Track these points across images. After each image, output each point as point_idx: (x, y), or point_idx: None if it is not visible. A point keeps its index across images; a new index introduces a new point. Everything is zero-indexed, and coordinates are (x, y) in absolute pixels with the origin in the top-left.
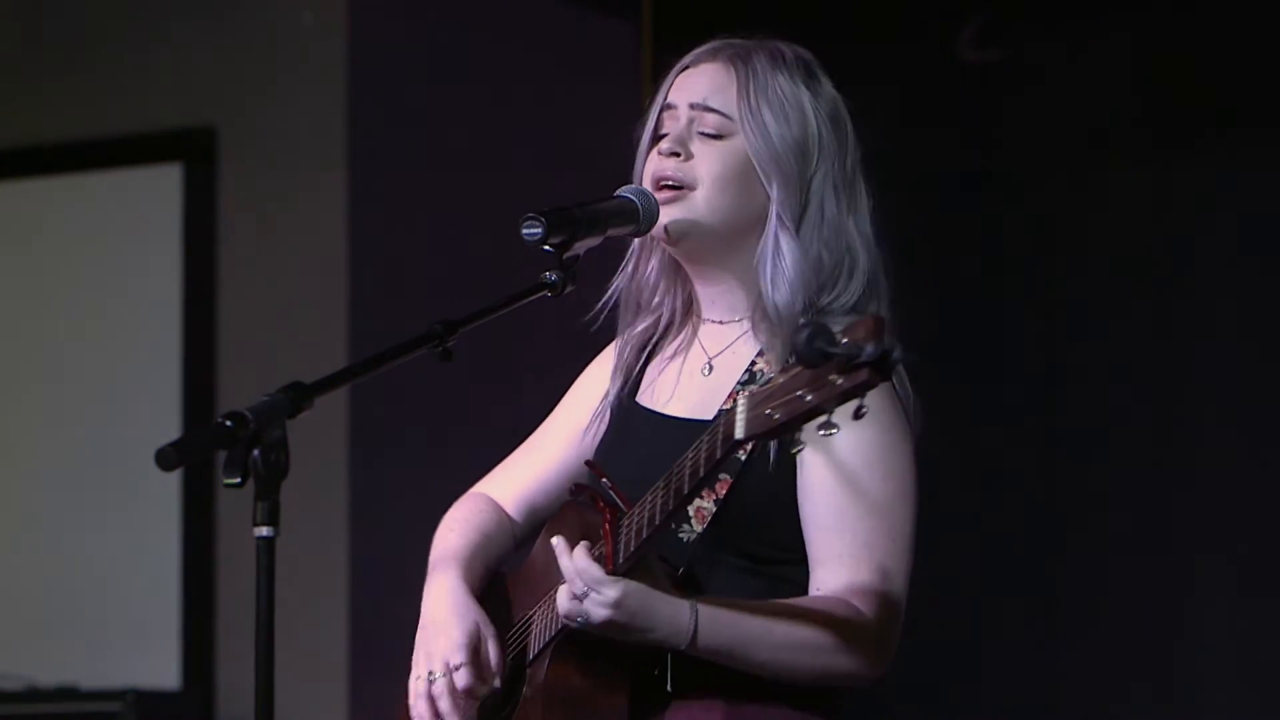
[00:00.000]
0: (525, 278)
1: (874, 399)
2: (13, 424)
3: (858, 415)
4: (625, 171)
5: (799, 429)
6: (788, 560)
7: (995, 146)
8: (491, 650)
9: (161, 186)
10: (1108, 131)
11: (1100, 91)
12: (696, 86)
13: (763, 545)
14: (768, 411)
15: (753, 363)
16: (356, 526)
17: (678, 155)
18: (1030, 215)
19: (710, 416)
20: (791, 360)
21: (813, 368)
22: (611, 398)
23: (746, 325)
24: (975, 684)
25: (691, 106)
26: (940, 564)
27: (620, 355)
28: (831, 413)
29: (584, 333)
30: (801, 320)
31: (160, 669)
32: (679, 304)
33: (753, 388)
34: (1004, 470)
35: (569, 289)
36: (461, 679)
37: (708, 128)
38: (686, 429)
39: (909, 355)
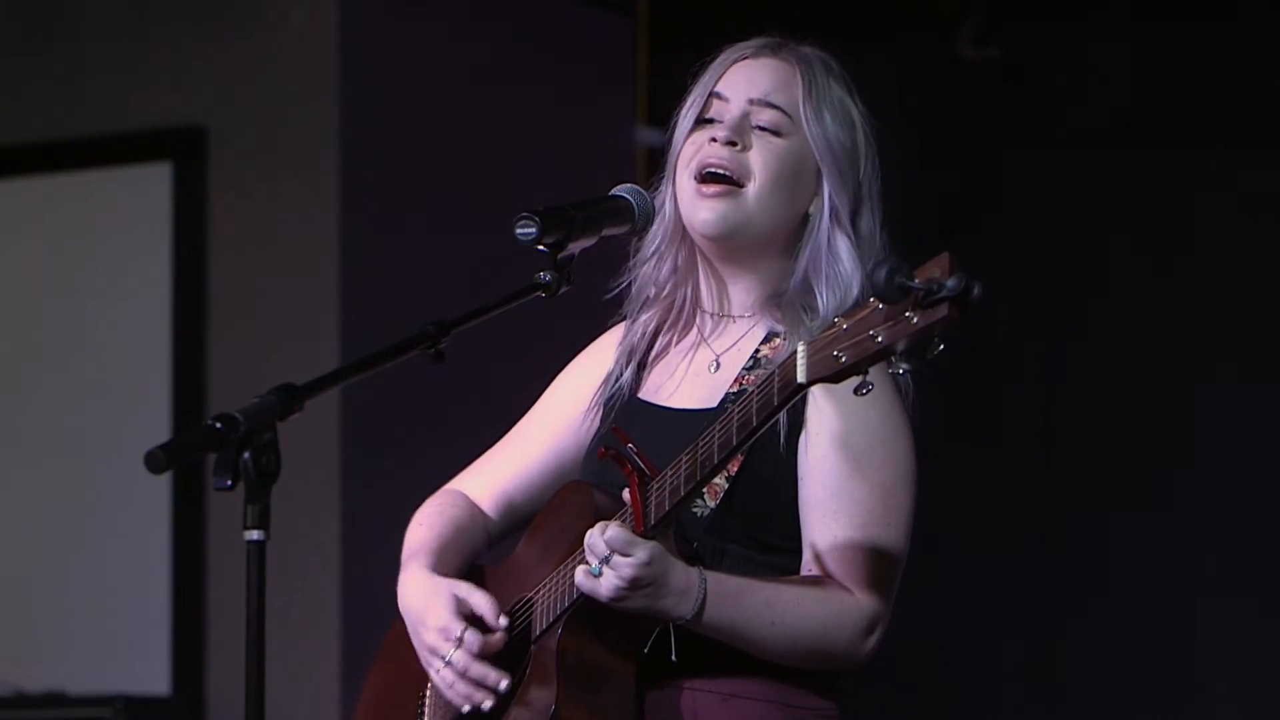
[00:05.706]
0: (520, 278)
1: (877, 384)
2: (0, 425)
3: (858, 391)
4: (621, 170)
5: (865, 371)
6: (786, 549)
7: (995, 145)
8: (477, 601)
9: (152, 185)
10: (1106, 130)
11: (1099, 90)
12: (758, 80)
13: (764, 529)
14: (834, 354)
15: (757, 350)
16: (348, 530)
17: (734, 145)
18: (1029, 213)
19: (715, 406)
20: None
21: (890, 304)
22: (626, 379)
23: (755, 320)
24: (974, 680)
25: (751, 101)
26: (939, 562)
27: (630, 343)
28: (900, 352)
29: (582, 336)
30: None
31: (150, 675)
32: (689, 296)
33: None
34: (1002, 469)
35: (563, 289)
36: (470, 642)
37: (765, 123)
38: (692, 420)
39: (981, 296)
